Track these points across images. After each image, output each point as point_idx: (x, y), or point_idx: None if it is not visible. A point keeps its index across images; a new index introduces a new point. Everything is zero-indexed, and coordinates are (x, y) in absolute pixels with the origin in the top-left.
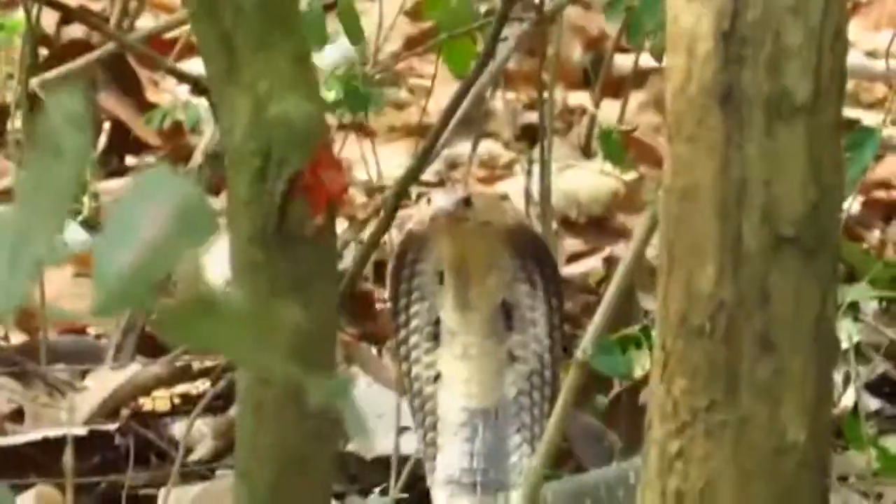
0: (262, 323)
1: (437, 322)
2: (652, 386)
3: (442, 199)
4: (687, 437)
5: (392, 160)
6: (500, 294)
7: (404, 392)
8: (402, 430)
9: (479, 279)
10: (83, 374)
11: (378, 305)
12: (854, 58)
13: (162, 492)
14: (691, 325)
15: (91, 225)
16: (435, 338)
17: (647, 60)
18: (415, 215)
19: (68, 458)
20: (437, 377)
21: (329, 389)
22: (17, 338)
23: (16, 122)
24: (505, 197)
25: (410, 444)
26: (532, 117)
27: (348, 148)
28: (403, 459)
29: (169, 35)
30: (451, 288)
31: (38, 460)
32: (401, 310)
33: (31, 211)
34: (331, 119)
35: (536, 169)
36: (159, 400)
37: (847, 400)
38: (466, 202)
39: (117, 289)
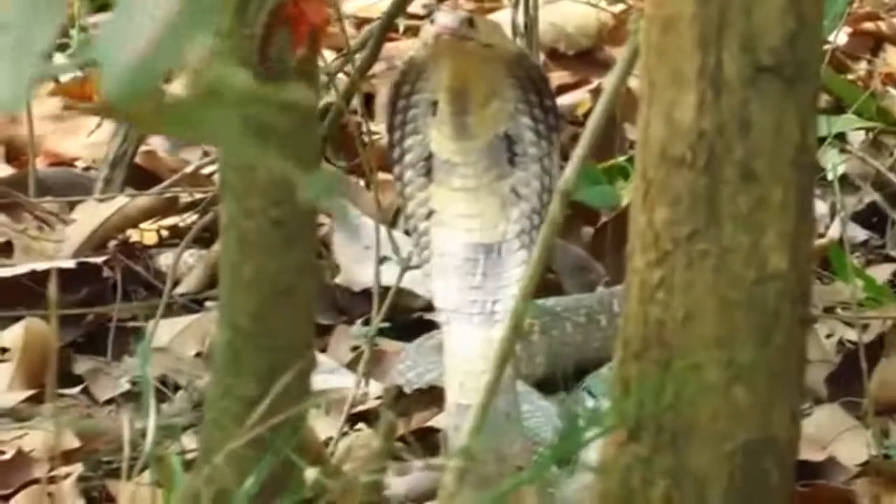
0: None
1: (431, 157)
2: (633, 215)
3: (445, 18)
4: (668, 267)
5: None
6: (502, 125)
7: (387, 223)
8: (383, 260)
9: (480, 106)
10: (71, 207)
11: (365, 138)
12: None
13: (150, 324)
14: (672, 155)
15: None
16: (429, 172)
17: None
18: (417, 41)
19: (53, 290)
20: (431, 212)
21: (318, 184)
22: (6, 170)
23: None
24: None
25: (392, 275)
26: None
27: None
28: (386, 290)
29: None
30: (450, 115)
31: (26, 293)
32: (396, 143)
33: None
34: None
35: (524, 0)
36: (147, 233)
37: (833, 231)
38: (470, 22)
39: (127, 80)
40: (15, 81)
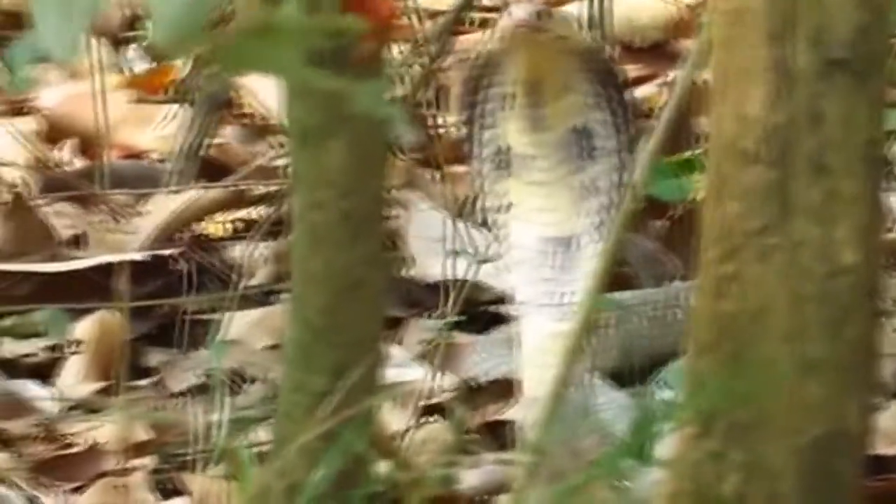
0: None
1: (508, 150)
2: (704, 209)
3: (520, 10)
4: (739, 261)
5: None
6: (577, 118)
7: (459, 216)
8: (455, 253)
9: (554, 98)
10: (143, 199)
11: (437, 131)
12: None
13: (222, 317)
14: (743, 149)
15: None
16: (506, 166)
17: None
18: (487, 33)
19: (123, 282)
20: (508, 206)
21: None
22: (79, 162)
23: None
24: None
25: (464, 268)
26: None
27: None
28: (458, 283)
29: None
30: (525, 108)
31: (97, 286)
32: (472, 137)
33: None
34: None
35: None
36: (218, 225)
37: None
38: (545, 15)
39: (176, 19)
40: (64, 35)
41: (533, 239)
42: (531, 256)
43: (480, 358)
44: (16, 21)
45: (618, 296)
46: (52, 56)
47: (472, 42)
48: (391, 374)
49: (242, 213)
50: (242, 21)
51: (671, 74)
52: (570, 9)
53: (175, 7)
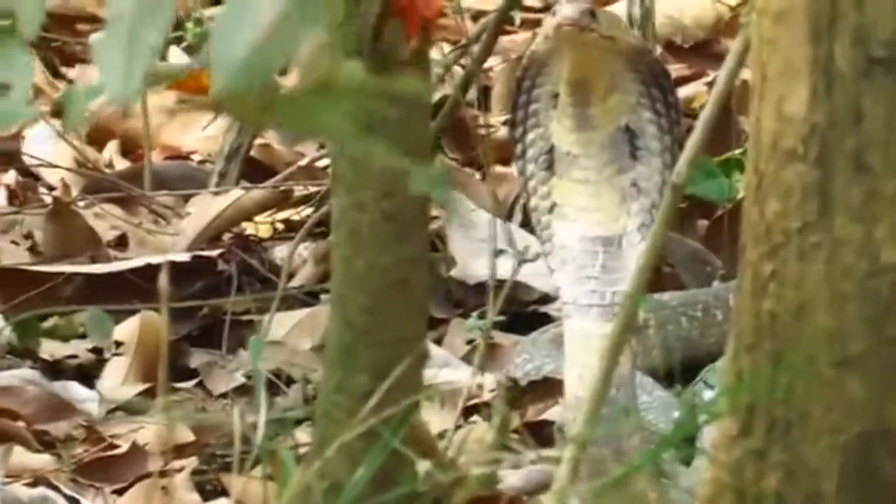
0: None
1: (552, 150)
2: (745, 209)
3: (567, 9)
4: (780, 259)
5: None
6: (623, 117)
7: (502, 216)
8: (498, 253)
9: (601, 98)
10: (186, 200)
11: (481, 131)
12: None
13: (264, 317)
14: (784, 148)
15: (195, 52)
16: (552, 165)
17: None
18: (533, 33)
19: (164, 283)
20: (553, 205)
21: (428, 175)
22: (122, 164)
23: None
24: None
25: (507, 268)
26: None
27: None
28: (501, 283)
29: None
30: (571, 107)
31: (141, 286)
32: (518, 138)
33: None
34: None
35: None
36: (262, 226)
37: None
38: (591, 14)
39: (237, 76)
40: (126, 74)
41: (578, 238)
42: (576, 256)
43: (523, 358)
44: (68, 23)
45: (660, 296)
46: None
47: (516, 42)
48: (433, 374)
49: (285, 214)
50: (304, 77)
51: (715, 74)
52: (615, 7)
53: (237, 59)
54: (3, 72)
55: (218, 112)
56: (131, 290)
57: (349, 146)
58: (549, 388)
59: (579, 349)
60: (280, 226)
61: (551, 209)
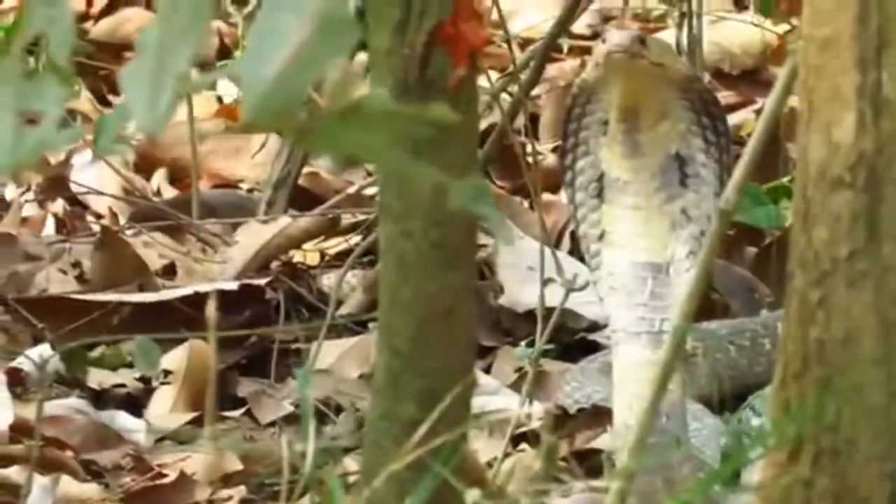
0: (408, 126)
1: (602, 177)
2: (792, 236)
3: (617, 36)
4: (828, 286)
5: (546, 13)
6: (674, 144)
7: (551, 244)
8: (547, 281)
9: (651, 124)
10: (235, 229)
11: (529, 159)
12: None
13: (312, 346)
14: (831, 175)
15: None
16: (602, 192)
17: None
18: (579, 60)
19: (212, 311)
20: (603, 233)
21: (469, 190)
22: (170, 192)
23: None
24: None
25: (556, 296)
26: None
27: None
28: (550, 311)
29: None
30: (621, 133)
31: (189, 315)
32: (568, 166)
33: (171, 25)
34: None
35: (688, 20)
36: (309, 254)
37: None
38: (641, 41)
39: (265, 99)
40: (153, 102)
41: (627, 265)
42: (625, 283)
43: (573, 386)
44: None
45: (708, 325)
46: (140, 126)
47: (564, 70)
48: (481, 402)
49: (333, 242)
50: (334, 102)
51: (763, 101)
52: (664, 35)
53: (266, 83)
54: (35, 101)
55: (266, 139)
56: (179, 318)
57: (383, 167)
58: (597, 416)
59: (629, 377)
60: (328, 254)
61: (601, 236)
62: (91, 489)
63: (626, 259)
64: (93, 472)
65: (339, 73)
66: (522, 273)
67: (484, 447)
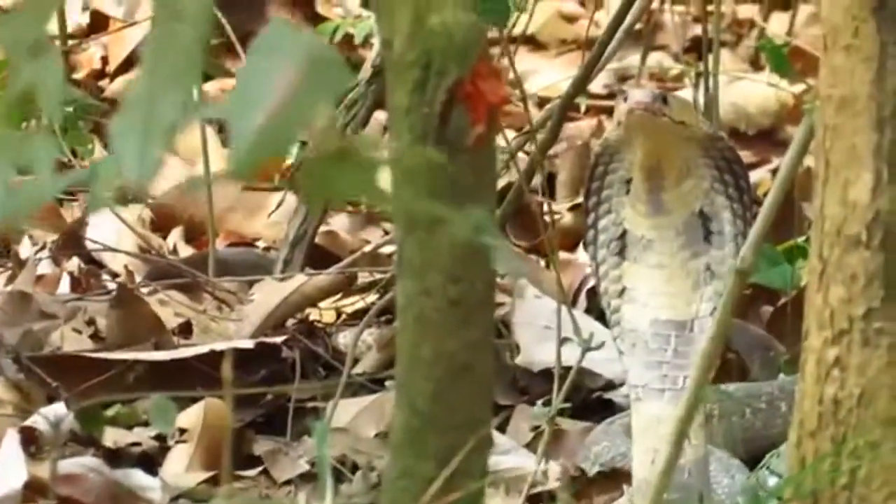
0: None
1: (624, 235)
2: (808, 294)
3: (639, 94)
4: (844, 345)
5: (563, 73)
6: (697, 202)
7: (567, 303)
8: (564, 340)
9: (674, 183)
10: (251, 286)
11: (546, 218)
12: None
13: (328, 404)
14: (847, 234)
15: None
16: (623, 250)
17: None
18: (606, 121)
19: (228, 370)
20: (623, 290)
21: (472, 222)
22: (186, 250)
23: None
24: None
25: (572, 355)
26: (701, 30)
27: (519, 61)
28: (566, 370)
29: None
30: (644, 192)
31: (205, 373)
32: (591, 224)
33: (159, 76)
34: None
35: (705, 80)
36: (326, 312)
37: None
38: (663, 99)
39: (254, 146)
40: (142, 154)
41: (649, 322)
42: (647, 340)
43: (603, 446)
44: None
45: (725, 387)
46: (131, 177)
47: (582, 128)
48: (498, 461)
49: (349, 301)
50: (320, 147)
51: (780, 161)
52: (680, 94)
53: (254, 132)
54: (25, 152)
55: (283, 197)
56: (195, 376)
57: (383, 206)
58: (615, 477)
59: (649, 433)
60: (344, 312)
61: (621, 293)
62: None
63: (649, 316)
64: None
65: (326, 116)
66: (538, 332)
67: None
